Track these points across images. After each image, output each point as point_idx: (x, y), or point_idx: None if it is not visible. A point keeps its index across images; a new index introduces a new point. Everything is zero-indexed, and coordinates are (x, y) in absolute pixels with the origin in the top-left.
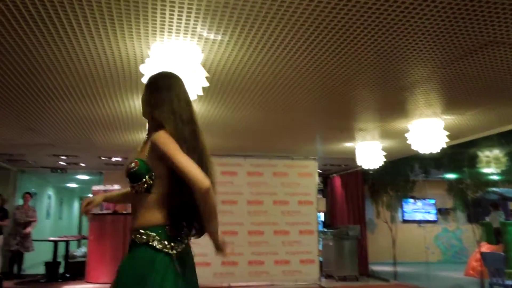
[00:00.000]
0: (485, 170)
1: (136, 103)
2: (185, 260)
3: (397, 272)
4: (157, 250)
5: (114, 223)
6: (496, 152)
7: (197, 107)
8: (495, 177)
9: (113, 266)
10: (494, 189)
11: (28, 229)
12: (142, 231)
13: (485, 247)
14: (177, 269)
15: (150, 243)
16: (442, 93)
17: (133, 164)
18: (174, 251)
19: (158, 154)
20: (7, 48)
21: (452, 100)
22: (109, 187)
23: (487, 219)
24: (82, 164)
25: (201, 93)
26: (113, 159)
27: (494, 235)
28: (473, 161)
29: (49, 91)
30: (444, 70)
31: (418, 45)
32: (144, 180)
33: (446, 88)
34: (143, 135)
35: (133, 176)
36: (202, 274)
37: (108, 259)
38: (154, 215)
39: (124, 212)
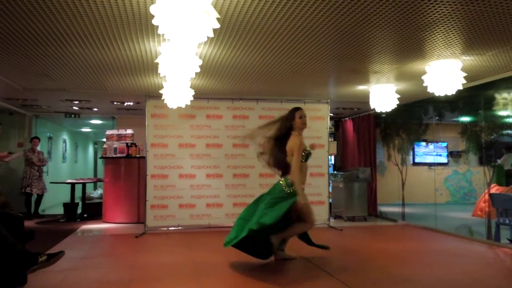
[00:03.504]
0: (502, 113)
1: (147, 46)
2: None
3: (405, 213)
4: None
5: (128, 166)
6: None
7: (207, 50)
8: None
9: (128, 206)
10: (509, 131)
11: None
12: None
13: (495, 189)
14: None
15: None
16: (463, 31)
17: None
18: None
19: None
20: None
21: (473, 39)
22: (122, 131)
23: (499, 161)
24: (95, 109)
25: (212, 35)
26: (125, 103)
27: (504, 177)
28: (490, 103)
29: (60, 36)
30: (466, 7)
31: None
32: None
33: (467, 26)
34: (154, 79)
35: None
36: (215, 215)
37: (123, 200)
38: None
39: (137, 155)
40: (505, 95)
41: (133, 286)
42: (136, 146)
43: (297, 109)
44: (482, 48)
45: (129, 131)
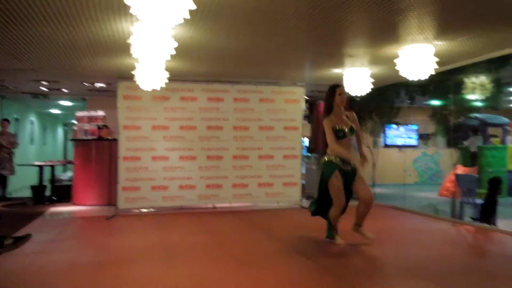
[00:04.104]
0: (470, 97)
1: (119, 27)
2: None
3: (376, 193)
4: None
5: (99, 148)
6: (483, 78)
7: (183, 31)
8: (479, 103)
9: (99, 189)
10: (476, 115)
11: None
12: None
13: (460, 170)
14: None
15: None
16: (437, 16)
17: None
18: None
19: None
20: None
21: (446, 24)
22: (93, 113)
23: (466, 143)
24: (65, 90)
25: (188, 17)
26: (97, 85)
27: (470, 159)
28: (459, 87)
29: (27, 15)
30: None
31: None
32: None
33: (441, 11)
34: (127, 60)
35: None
36: (188, 197)
37: (93, 182)
38: None
39: (109, 138)
40: (473, 79)
41: (103, 269)
42: (107, 128)
43: (337, 86)
44: (454, 34)
45: (101, 113)
